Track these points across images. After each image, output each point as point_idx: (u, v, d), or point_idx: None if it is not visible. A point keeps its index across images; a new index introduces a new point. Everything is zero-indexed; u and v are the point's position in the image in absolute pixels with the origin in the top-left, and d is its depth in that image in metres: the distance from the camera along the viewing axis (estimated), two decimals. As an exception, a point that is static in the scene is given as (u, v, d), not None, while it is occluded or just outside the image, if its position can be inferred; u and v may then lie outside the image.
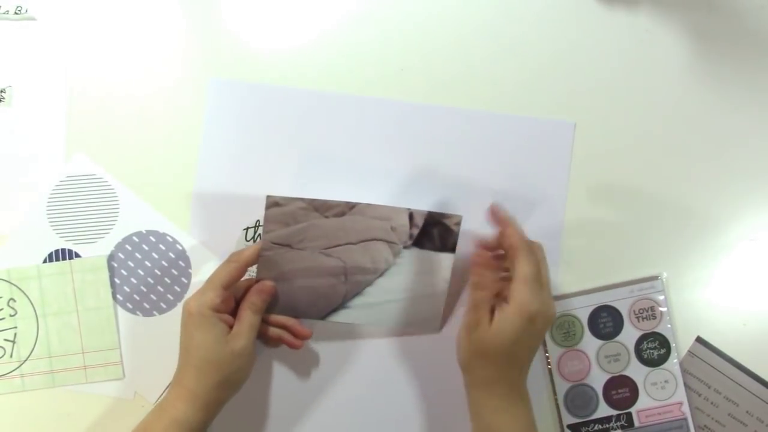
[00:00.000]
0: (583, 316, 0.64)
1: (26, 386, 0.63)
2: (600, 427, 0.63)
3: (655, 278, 0.64)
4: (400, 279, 0.62)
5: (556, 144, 0.65)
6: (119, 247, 0.64)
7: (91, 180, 0.65)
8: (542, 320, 0.55)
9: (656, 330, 0.64)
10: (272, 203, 0.59)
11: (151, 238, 0.64)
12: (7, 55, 0.65)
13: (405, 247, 0.61)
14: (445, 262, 0.61)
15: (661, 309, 0.63)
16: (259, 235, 0.63)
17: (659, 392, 0.63)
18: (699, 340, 0.63)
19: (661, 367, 0.63)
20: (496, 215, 0.60)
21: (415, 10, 0.66)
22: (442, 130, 0.65)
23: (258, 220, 0.64)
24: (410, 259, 0.61)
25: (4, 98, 0.65)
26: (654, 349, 0.63)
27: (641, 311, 0.64)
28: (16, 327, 0.63)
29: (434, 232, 0.61)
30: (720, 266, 0.64)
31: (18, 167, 0.65)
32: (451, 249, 0.61)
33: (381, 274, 0.62)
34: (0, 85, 0.65)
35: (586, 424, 0.63)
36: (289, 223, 0.60)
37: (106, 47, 0.66)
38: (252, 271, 0.61)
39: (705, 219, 0.65)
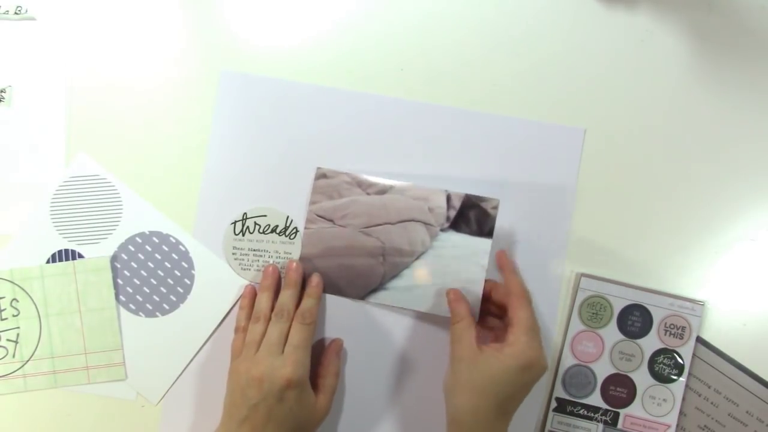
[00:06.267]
0: (617, 306, 0.64)
1: (28, 387, 0.63)
2: (585, 412, 0.64)
3: (699, 303, 0.63)
4: (435, 263, 0.62)
5: (566, 149, 0.65)
6: (122, 248, 0.64)
7: (95, 181, 0.64)
8: (536, 370, 0.56)
9: (678, 350, 0.63)
10: (321, 175, 0.60)
11: (154, 239, 0.64)
12: (7, 55, 0.65)
13: (442, 230, 0.62)
14: (482, 246, 0.61)
15: (693, 333, 0.63)
16: (248, 227, 0.63)
17: (654, 407, 0.63)
18: (699, 340, 0.64)
19: (666, 385, 0.63)
20: (501, 261, 0.62)
21: (426, 11, 0.66)
22: (450, 130, 0.64)
23: (245, 213, 0.64)
24: (446, 242, 0.61)
25: (4, 98, 0.65)
26: (668, 366, 0.63)
27: (672, 326, 0.63)
28: (18, 327, 0.63)
29: (471, 215, 0.61)
30: (720, 266, 0.65)
31: (19, 167, 0.65)
32: (489, 234, 0.61)
33: (417, 257, 0.62)
34: (0, 85, 0.65)
35: (574, 404, 0.64)
36: (333, 196, 0.61)
37: (106, 47, 0.65)
38: (278, 260, 0.60)
39: (705, 219, 0.65)
